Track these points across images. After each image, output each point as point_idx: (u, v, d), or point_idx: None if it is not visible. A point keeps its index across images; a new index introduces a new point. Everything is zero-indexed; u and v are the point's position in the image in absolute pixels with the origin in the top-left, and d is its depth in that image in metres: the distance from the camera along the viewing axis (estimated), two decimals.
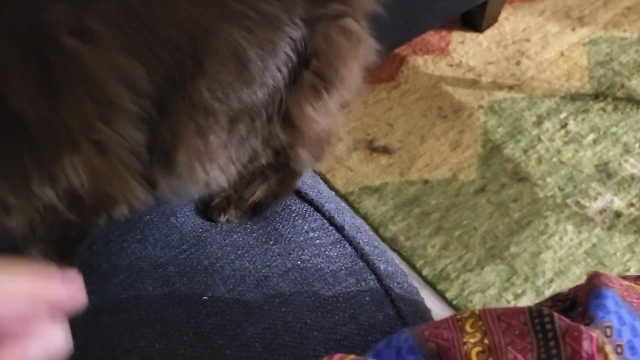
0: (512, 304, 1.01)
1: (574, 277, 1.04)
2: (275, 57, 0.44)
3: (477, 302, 1.02)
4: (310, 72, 0.47)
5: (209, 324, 0.49)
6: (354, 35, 0.48)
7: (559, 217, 1.11)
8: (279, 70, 0.44)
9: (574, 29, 1.46)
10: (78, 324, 0.51)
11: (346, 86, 0.50)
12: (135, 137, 0.43)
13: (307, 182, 0.61)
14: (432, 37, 1.51)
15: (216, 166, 0.47)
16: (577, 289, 0.37)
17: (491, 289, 1.04)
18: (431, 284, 1.06)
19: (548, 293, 1.02)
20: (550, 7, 1.52)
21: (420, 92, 1.39)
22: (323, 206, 0.56)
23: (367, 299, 0.49)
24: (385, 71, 1.45)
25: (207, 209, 0.57)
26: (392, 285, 0.50)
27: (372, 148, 1.31)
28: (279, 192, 0.56)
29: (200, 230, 0.55)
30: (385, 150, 1.30)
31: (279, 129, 0.49)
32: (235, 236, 0.54)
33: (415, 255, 1.09)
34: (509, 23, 1.50)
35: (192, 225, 0.56)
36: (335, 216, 0.55)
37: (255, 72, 0.43)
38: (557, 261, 1.06)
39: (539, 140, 1.24)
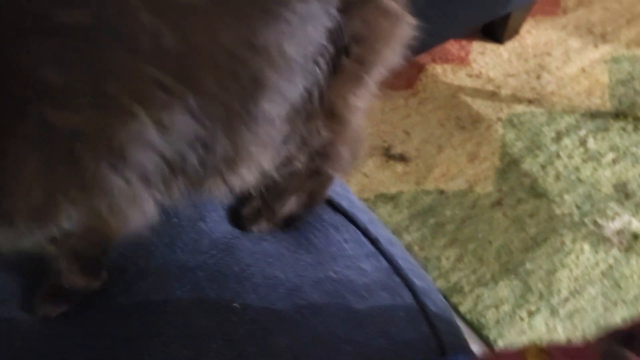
0: (526, 321, 1.00)
1: (590, 297, 1.03)
2: (313, 51, 0.42)
3: (490, 318, 1.01)
4: (351, 59, 0.45)
5: (239, 332, 0.48)
6: (393, 14, 0.46)
7: (576, 235, 1.10)
8: (317, 63, 0.43)
9: (596, 46, 1.45)
10: (106, 326, 0.51)
11: (386, 65, 0.49)
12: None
13: (338, 191, 0.60)
14: (452, 46, 1.50)
15: (255, 171, 0.46)
16: (636, 323, 0.35)
17: (505, 304, 1.03)
18: (444, 296, 1.04)
19: (563, 312, 1.01)
20: (572, 22, 1.51)
21: (439, 101, 1.38)
22: (357, 217, 0.55)
23: (402, 314, 0.48)
24: (404, 78, 1.44)
25: (235, 216, 0.56)
26: (427, 303, 0.49)
27: (389, 155, 1.30)
28: (310, 203, 0.55)
29: (230, 236, 0.54)
30: (402, 158, 1.29)
31: (321, 125, 0.47)
32: (265, 244, 0.53)
33: (429, 266, 1.08)
34: (531, 36, 1.49)
35: (222, 231, 0.55)
36: (370, 228, 0.54)
37: (296, 70, 0.42)
38: (573, 280, 1.05)
39: (558, 156, 1.23)
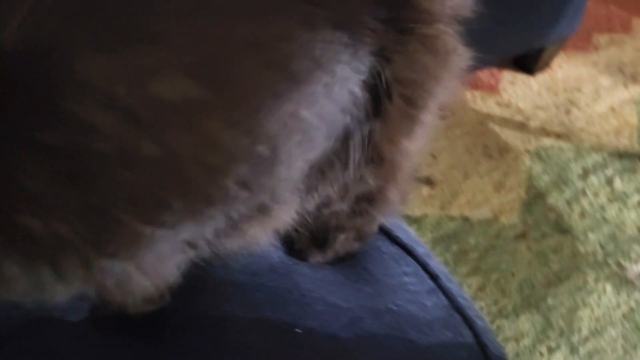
0: (546, 357, 1.01)
1: (610, 339, 1.03)
2: (341, 107, 0.37)
3: (510, 351, 1.01)
4: (396, 102, 0.40)
5: (300, 357, 0.48)
6: (441, 50, 0.41)
7: (599, 275, 1.11)
8: (350, 113, 0.38)
9: (626, 86, 1.46)
10: (163, 339, 0.51)
11: (440, 102, 0.45)
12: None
13: (393, 221, 0.60)
14: (482, 73, 1.51)
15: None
16: None
17: (525, 338, 1.03)
18: None
19: (583, 351, 1.02)
20: (604, 60, 1.52)
21: (467, 127, 1.39)
22: (415, 250, 0.55)
23: (464, 354, 0.48)
24: None
25: (290, 247, 0.55)
26: (488, 344, 0.49)
27: (415, 177, 1.30)
28: (359, 239, 0.55)
29: (289, 262, 0.54)
30: (428, 181, 1.29)
31: (368, 173, 0.44)
32: (325, 271, 0.54)
33: None
34: (562, 70, 1.50)
35: (279, 256, 0.55)
36: (429, 263, 0.54)
37: (317, 131, 0.37)
38: (594, 320, 1.05)
39: (584, 194, 1.24)
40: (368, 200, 0.47)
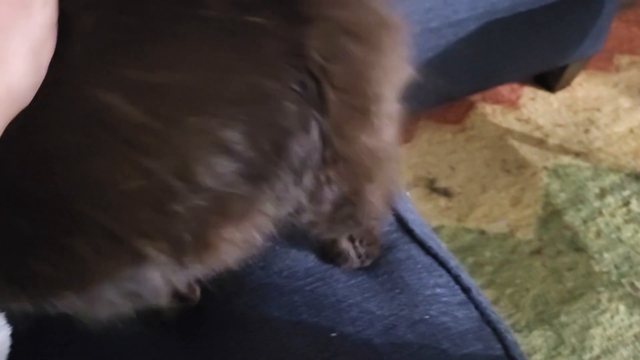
0: None
1: (621, 359, 1.04)
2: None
3: None
4: (332, 93, 0.36)
5: None
6: (362, 28, 0.37)
7: (612, 294, 1.12)
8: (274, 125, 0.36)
9: None
10: (202, 338, 0.52)
11: (392, 86, 0.41)
12: None
13: (425, 231, 0.61)
14: (503, 88, 1.52)
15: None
16: None
17: (537, 354, 1.04)
18: None
19: None
20: (624, 81, 1.53)
21: (486, 140, 1.40)
22: (448, 263, 0.57)
23: None
24: (453, 113, 1.46)
25: (323, 252, 0.57)
26: (517, 358, 0.51)
27: (432, 188, 1.32)
28: (369, 243, 0.55)
29: (325, 266, 0.56)
30: (446, 193, 1.31)
31: (334, 175, 0.41)
32: (360, 278, 0.55)
33: None
34: (582, 89, 1.51)
35: (315, 260, 0.56)
36: (462, 275, 0.56)
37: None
38: (606, 339, 1.06)
39: (600, 213, 1.25)
40: (348, 205, 0.45)
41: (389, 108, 0.42)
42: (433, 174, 1.33)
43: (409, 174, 1.34)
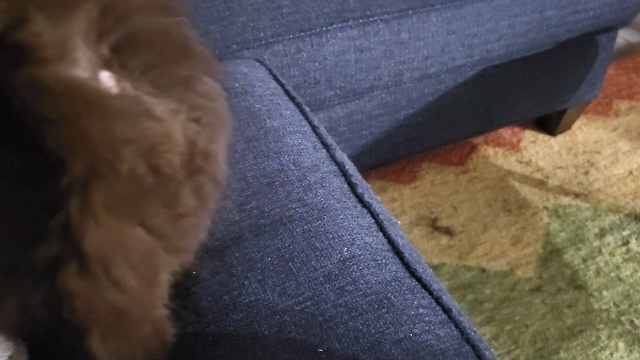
0: None
1: None
2: None
3: None
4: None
5: None
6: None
7: (612, 332, 1.13)
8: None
9: None
10: (196, 352, 0.56)
11: None
12: None
13: (414, 256, 0.65)
14: (505, 131, 1.57)
15: None
16: None
17: None
18: None
19: None
20: (623, 126, 1.57)
21: (487, 181, 1.44)
22: (431, 285, 0.60)
23: None
24: (456, 155, 1.51)
25: None
26: None
27: (435, 226, 1.35)
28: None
29: (314, 283, 0.59)
30: (447, 231, 1.34)
31: None
32: (348, 297, 0.59)
33: None
34: (582, 132, 1.56)
35: (304, 275, 0.60)
36: (443, 297, 0.59)
37: None
38: None
39: (600, 252, 1.27)
40: None
41: None
42: (435, 213, 1.37)
43: (412, 213, 1.37)
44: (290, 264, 0.61)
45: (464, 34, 1.10)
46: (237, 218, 0.65)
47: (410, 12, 1.06)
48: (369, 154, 1.26)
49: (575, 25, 1.21)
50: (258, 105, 0.83)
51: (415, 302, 0.58)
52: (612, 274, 1.23)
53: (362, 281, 0.60)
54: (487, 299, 1.19)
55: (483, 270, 1.24)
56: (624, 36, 1.87)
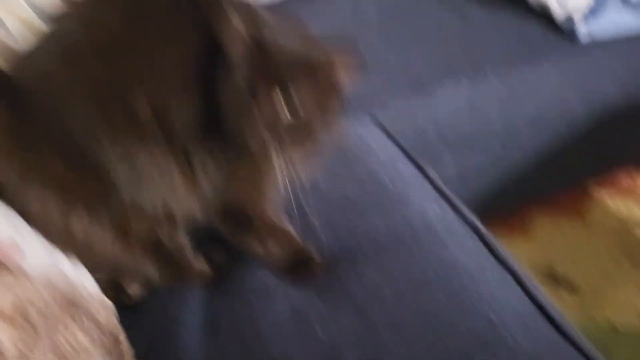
0: None
1: None
2: None
3: None
4: None
5: None
6: None
7: None
8: None
9: None
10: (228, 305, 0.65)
11: None
12: None
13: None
14: (618, 173, 1.48)
15: None
16: None
17: None
18: None
19: None
20: None
21: (609, 233, 1.35)
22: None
23: None
24: (571, 205, 1.44)
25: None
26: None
27: (556, 281, 1.28)
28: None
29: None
30: (570, 287, 1.27)
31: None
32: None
33: None
34: None
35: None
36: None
37: None
38: None
39: None
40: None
41: None
42: (554, 266, 1.30)
43: (529, 267, 1.31)
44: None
45: (580, 83, 1.06)
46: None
47: (520, 63, 1.04)
48: (478, 204, 1.22)
49: None
50: (377, 168, 0.82)
51: None
52: None
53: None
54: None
55: (614, 328, 1.16)
56: None
